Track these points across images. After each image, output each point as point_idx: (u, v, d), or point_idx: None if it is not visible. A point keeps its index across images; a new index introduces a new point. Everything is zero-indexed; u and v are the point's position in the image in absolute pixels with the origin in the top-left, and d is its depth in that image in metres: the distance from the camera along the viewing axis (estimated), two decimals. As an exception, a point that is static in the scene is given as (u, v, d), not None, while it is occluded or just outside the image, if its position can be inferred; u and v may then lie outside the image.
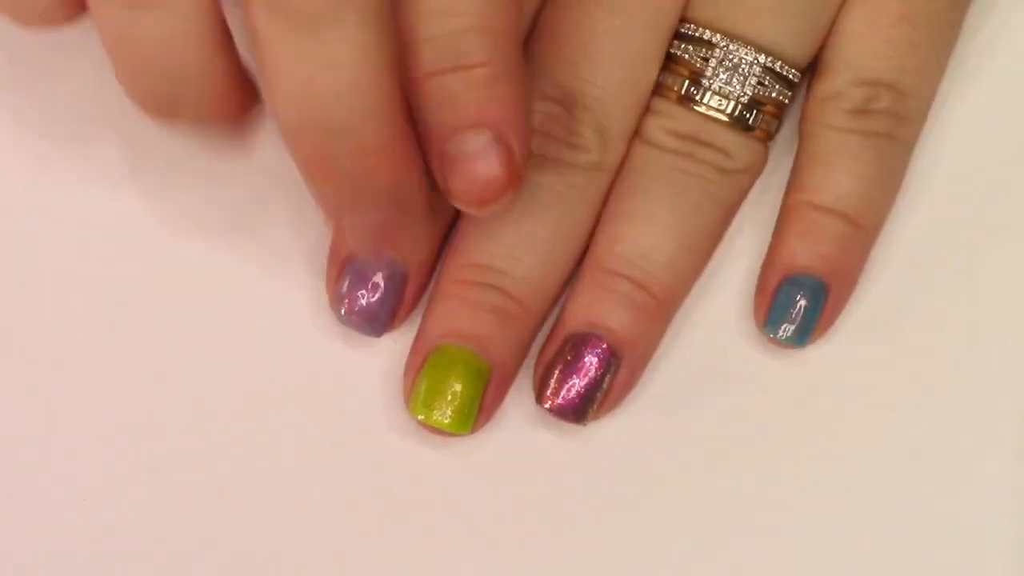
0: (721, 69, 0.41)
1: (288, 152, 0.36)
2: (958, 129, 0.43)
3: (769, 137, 0.42)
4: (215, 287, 0.43)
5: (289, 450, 0.42)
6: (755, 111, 0.41)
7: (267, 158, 0.43)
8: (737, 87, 0.41)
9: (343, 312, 0.41)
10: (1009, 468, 0.42)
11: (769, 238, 0.43)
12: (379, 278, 0.41)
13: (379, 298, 0.41)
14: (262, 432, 0.42)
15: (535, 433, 0.42)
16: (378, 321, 0.41)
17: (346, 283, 0.41)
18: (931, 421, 0.42)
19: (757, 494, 0.42)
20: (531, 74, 0.41)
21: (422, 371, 0.41)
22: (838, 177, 0.41)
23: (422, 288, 0.42)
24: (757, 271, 0.43)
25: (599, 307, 0.41)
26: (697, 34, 0.41)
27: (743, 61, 0.41)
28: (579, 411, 0.41)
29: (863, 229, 0.42)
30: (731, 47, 0.41)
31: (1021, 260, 0.43)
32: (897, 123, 0.41)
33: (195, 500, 0.42)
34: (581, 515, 0.42)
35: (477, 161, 0.37)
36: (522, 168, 0.37)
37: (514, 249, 0.41)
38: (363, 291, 0.41)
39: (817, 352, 0.42)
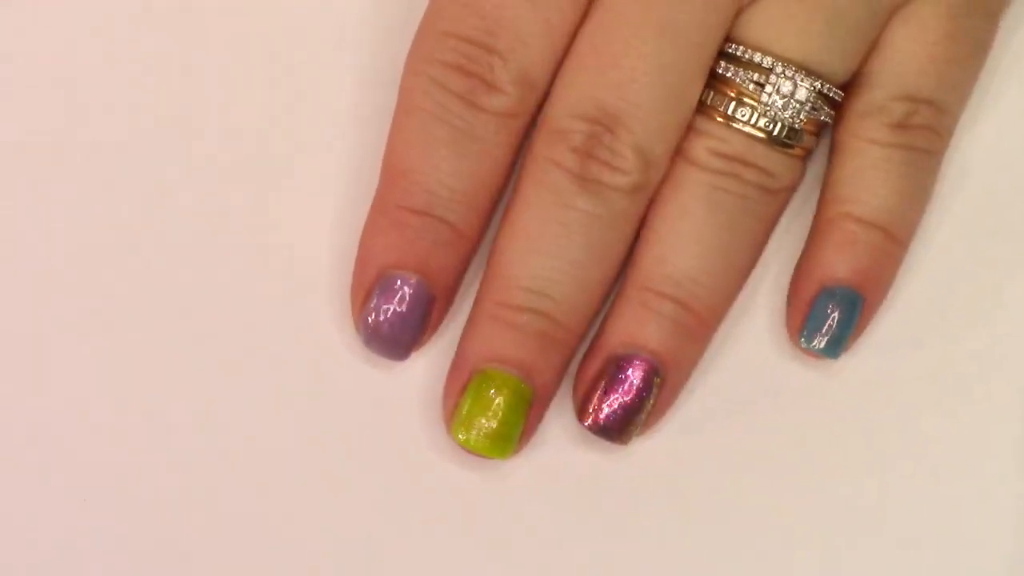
0: (773, 92, 0.40)
1: None
2: (981, 142, 0.43)
3: (807, 154, 0.42)
4: (237, 304, 0.42)
5: (318, 470, 0.42)
6: (800, 132, 0.41)
7: (291, 175, 0.43)
8: (790, 110, 0.40)
9: (367, 334, 0.41)
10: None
11: (785, 248, 0.43)
12: (404, 302, 0.41)
13: (404, 322, 0.41)
14: (289, 450, 0.42)
15: (573, 450, 0.42)
16: (402, 344, 0.41)
17: (371, 306, 0.41)
18: (955, 429, 0.43)
19: (787, 503, 0.42)
20: (573, 94, 0.40)
21: (465, 394, 0.41)
22: (879, 190, 0.41)
23: (446, 311, 0.42)
24: (778, 281, 0.43)
25: (643, 327, 0.41)
26: (747, 56, 0.40)
27: (797, 85, 0.40)
28: (622, 430, 0.41)
29: (899, 242, 0.42)
30: (784, 71, 0.40)
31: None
32: (933, 138, 0.42)
33: (209, 514, 0.42)
34: (619, 530, 0.42)
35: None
36: None
37: (557, 272, 0.40)
38: (387, 314, 0.41)
39: (843, 363, 0.43)
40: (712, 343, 0.42)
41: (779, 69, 0.40)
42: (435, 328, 0.41)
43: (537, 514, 0.42)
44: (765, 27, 0.40)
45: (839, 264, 0.42)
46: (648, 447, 0.42)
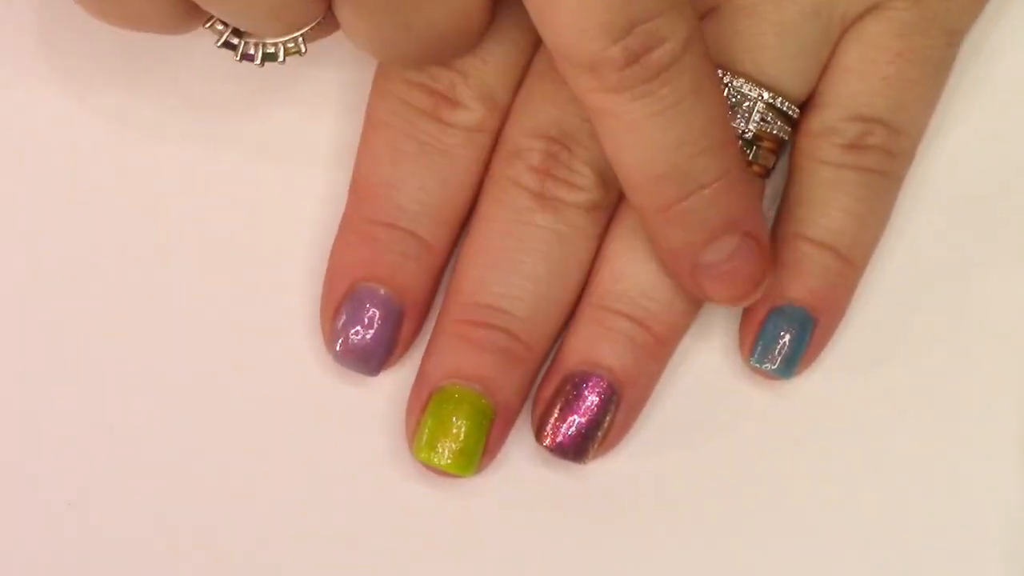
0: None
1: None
2: (944, 164, 0.43)
3: (767, 173, 0.42)
4: (210, 326, 0.42)
5: (286, 489, 0.42)
6: (755, 147, 0.41)
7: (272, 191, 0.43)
8: (741, 123, 0.41)
9: (338, 350, 0.41)
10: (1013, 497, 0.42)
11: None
12: (375, 316, 0.40)
13: (374, 336, 0.40)
14: (258, 471, 0.42)
15: (535, 471, 0.42)
16: (373, 359, 0.41)
17: (341, 321, 0.40)
18: (919, 445, 0.43)
19: (754, 523, 0.42)
20: (530, 113, 0.41)
21: (426, 412, 0.40)
22: (830, 212, 0.41)
23: (418, 326, 0.42)
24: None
25: (600, 346, 0.41)
26: (698, 72, 0.41)
27: (747, 98, 0.41)
28: (579, 449, 0.41)
29: (852, 264, 0.42)
30: (735, 83, 0.40)
31: (1006, 288, 0.43)
32: (889, 159, 0.42)
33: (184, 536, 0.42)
34: (581, 553, 0.42)
35: (735, 261, 0.39)
36: (770, 254, 0.40)
37: (516, 289, 0.40)
38: (358, 329, 0.40)
39: (806, 381, 0.43)
40: (676, 365, 0.42)
41: (728, 80, 0.40)
42: (407, 344, 0.41)
43: (500, 533, 0.42)
44: (716, 44, 0.41)
45: (790, 284, 0.41)
46: (614, 468, 0.42)
